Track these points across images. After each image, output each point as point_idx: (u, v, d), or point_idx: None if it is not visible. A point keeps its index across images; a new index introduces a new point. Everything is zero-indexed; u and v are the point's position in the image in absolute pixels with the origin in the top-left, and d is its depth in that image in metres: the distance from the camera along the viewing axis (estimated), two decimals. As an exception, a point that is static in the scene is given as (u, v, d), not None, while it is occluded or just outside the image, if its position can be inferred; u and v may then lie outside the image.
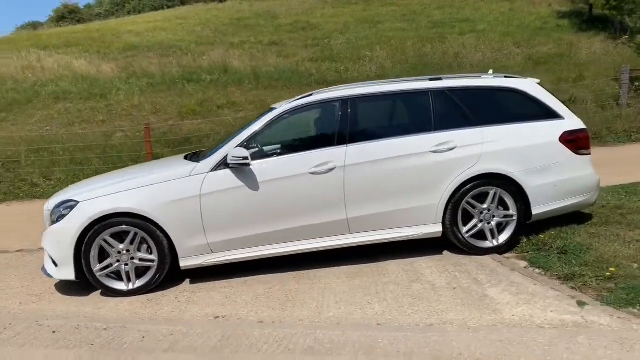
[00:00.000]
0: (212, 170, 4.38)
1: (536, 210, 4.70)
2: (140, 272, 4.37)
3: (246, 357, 3.18)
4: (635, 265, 3.99)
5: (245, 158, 4.30)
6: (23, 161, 10.42)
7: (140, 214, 4.24)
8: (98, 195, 4.32)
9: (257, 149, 4.56)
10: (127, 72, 16.89)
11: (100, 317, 3.94)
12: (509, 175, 4.59)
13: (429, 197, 4.52)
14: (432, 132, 4.63)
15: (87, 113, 13.62)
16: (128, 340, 3.49)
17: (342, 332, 3.37)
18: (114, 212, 4.23)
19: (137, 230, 4.27)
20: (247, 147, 4.43)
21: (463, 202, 4.57)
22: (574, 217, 5.07)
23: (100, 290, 4.41)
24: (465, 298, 3.79)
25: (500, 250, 4.68)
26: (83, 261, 4.25)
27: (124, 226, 4.26)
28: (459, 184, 4.53)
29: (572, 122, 4.86)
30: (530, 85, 4.92)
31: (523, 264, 4.43)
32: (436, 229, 4.60)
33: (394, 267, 4.57)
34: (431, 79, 4.90)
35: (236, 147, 4.40)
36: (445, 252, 4.78)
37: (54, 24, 37.89)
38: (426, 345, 3.12)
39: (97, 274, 4.29)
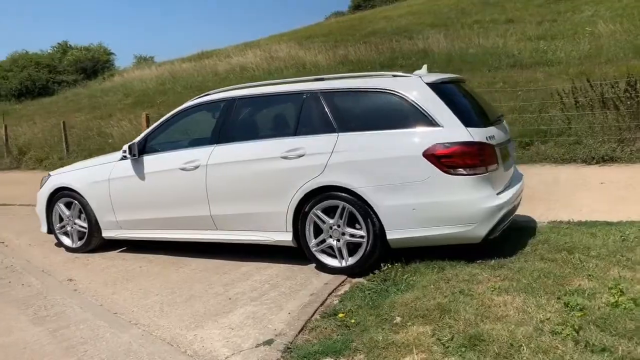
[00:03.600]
0: (120, 160, 5.24)
1: (392, 234, 4.01)
2: (81, 235, 5.58)
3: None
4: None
5: (124, 151, 5.05)
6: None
7: (74, 189, 5.45)
8: (58, 173, 5.72)
9: (152, 144, 5.17)
10: (335, 61, 18.37)
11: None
12: (355, 190, 4.05)
13: (278, 204, 4.38)
14: (290, 137, 4.43)
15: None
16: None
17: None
18: (60, 185, 5.56)
19: (74, 201, 5.49)
20: (147, 142, 5.12)
21: (311, 213, 4.27)
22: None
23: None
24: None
25: (349, 271, 4.19)
26: (52, 219, 5.72)
27: (66, 198, 5.54)
28: (304, 193, 4.25)
29: (452, 132, 3.89)
30: (410, 86, 4.12)
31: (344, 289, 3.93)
32: (286, 237, 4.43)
33: (249, 269, 4.62)
34: (315, 79, 4.60)
35: (133, 141, 5.14)
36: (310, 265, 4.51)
37: (350, 12, 42.43)
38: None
39: (57, 231, 5.71)
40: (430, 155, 3.86)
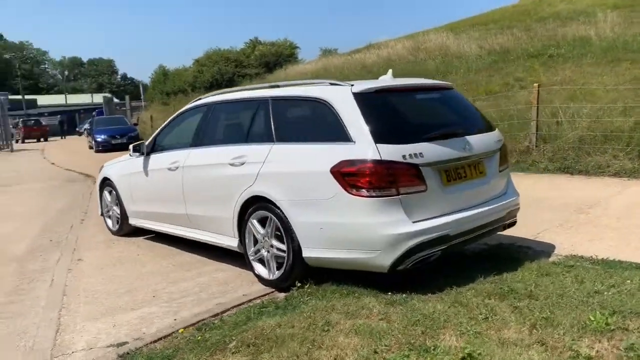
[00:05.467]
0: (137, 157, 5.81)
1: (307, 252, 3.80)
2: (117, 220, 6.35)
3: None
4: None
5: (130, 150, 5.57)
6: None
7: (111, 179, 6.22)
8: (108, 164, 6.56)
9: (159, 143, 5.58)
10: (482, 51, 17.10)
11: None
12: (276, 202, 3.92)
13: (226, 209, 4.44)
14: (240, 144, 4.44)
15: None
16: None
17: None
18: (104, 176, 6.39)
19: (112, 190, 6.27)
20: (156, 141, 5.59)
21: (249, 222, 4.26)
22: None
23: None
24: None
25: (275, 284, 4.08)
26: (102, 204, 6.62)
27: (108, 187, 6.35)
28: (243, 201, 4.25)
29: (360, 149, 3.51)
30: (336, 96, 3.78)
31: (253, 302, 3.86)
32: (234, 243, 4.47)
33: (210, 269, 4.79)
34: (270, 87, 4.52)
35: (143, 141, 5.65)
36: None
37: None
38: None
39: (104, 215, 6.58)
40: (337, 173, 3.55)
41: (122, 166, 6.12)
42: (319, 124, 3.94)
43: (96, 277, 4.78)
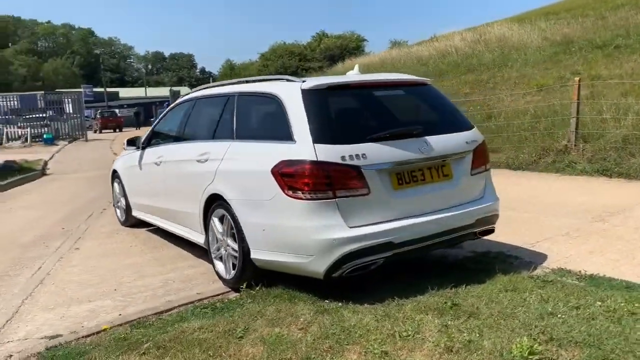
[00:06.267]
0: (135, 150, 5.92)
1: (254, 254, 3.69)
2: (124, 211, 6.53)
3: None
4: None
5: (124, 143, 5.67)
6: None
7: (118, 172, 6.40)
8: (117, 158, 6.75)
9: (155, 138, 5.63)
10: (545, 42, 16.06)
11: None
12: (229, 201, 3.84)
13: (194, 206, 4.41)
14: (208, 141, 4.39)
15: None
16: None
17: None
18: (114, 168, 6.59)
19: (119, 181, 6.45)
20: (152, 135, 5.66)
21: (211, 219, 4.21)
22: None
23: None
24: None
25: (231, 284, 3.99)
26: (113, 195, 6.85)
27: (117, 179, 6.55)
28: (205, 198, 4.20)
29: (300, 149, 3.33)
30: (287, 92, 3.62)
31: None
32: (200, 239, 4.45)
33: (186, 265, 4.80)
34: (241, 82, 4.42)
35: (139, 136, 5.75)
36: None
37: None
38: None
39: (114, 206, 6.80)
40: (276, 173, 3.40)
41: (126, 159, 6.28)
42: (269, 121, 3.81)
43: (79, 267, 4.92)
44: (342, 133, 3.41)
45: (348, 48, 39.98)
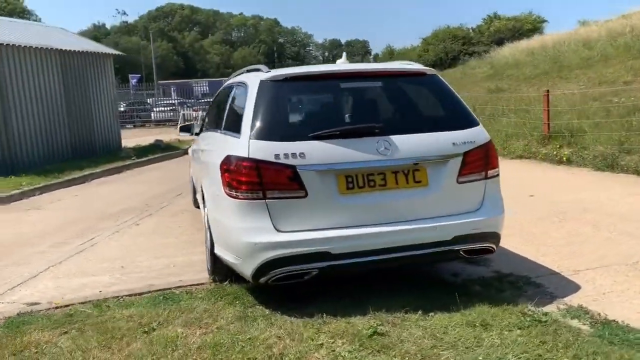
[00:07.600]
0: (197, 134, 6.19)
1: (216, 248, 3.62)
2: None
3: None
4: None
5: (178, 129, 5.95)
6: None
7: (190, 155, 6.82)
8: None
9: (204, 125, 5.82)
10: None
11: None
12: (204, 192, 3.82)
13: (200, 196, 4.51)
14: (215, 130, 4.39)
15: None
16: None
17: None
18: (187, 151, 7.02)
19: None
20: (204, 121, 5.88)
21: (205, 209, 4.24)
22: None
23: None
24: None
25: (212, 276, 3.99)
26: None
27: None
28: (199, 188, 4.27)
29: (238, 144, 3.15)
30: (251, 83, 3.42)
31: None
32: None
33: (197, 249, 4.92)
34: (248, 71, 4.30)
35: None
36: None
37: None
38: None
39: (191, 187, 7.26)
40: (222, 168, 3.27)
41: (193, 144, 6.63)
42: (238, 112, 3.66)
43: (117, 241, 5.37)
44: (281, 129, 3.14)
45: (522, 30, 36.82)
